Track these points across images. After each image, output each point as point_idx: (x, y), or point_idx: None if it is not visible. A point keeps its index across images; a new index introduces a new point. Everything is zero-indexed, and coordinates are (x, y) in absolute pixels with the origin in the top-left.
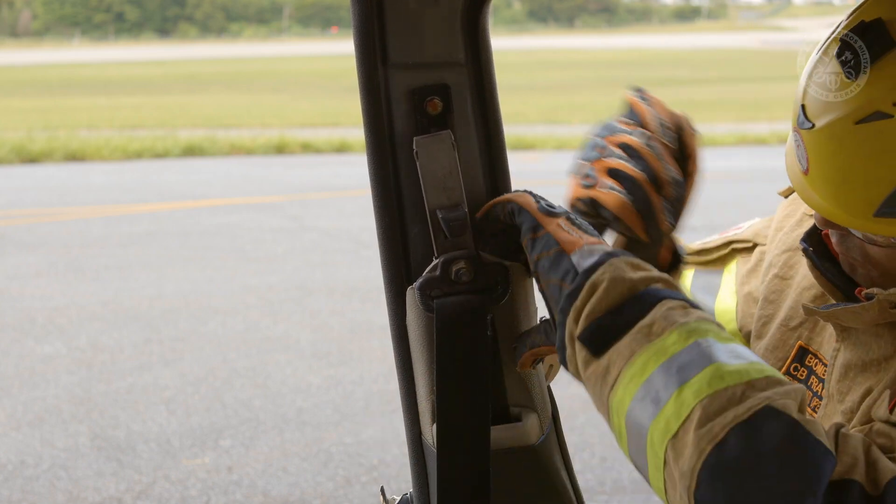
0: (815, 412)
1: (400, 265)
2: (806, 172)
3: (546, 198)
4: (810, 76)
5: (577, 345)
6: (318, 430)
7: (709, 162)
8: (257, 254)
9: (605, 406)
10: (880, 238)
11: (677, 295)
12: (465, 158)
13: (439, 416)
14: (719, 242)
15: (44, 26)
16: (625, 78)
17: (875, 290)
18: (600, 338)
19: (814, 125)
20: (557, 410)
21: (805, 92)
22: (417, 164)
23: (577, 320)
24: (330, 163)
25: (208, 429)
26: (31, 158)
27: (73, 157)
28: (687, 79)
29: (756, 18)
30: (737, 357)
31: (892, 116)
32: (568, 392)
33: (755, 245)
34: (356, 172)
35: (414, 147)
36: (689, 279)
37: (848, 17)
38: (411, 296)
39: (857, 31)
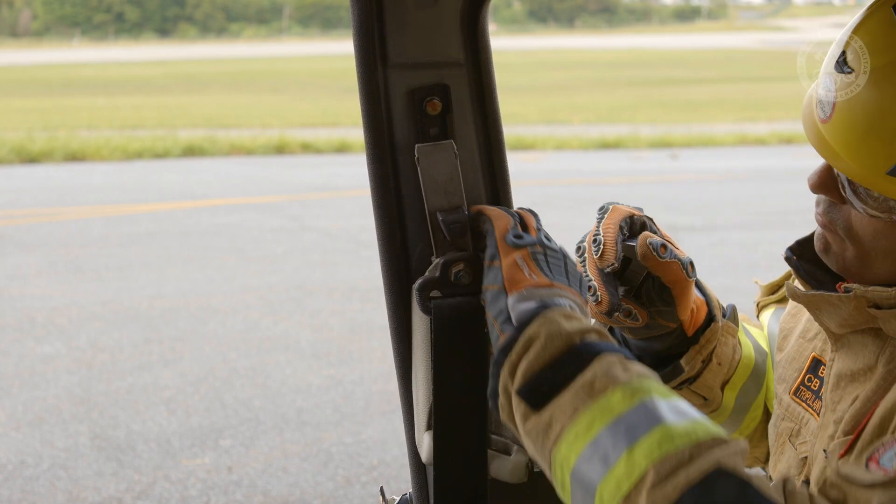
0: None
1: (400, 265)
2: (826, 120)
3: (535, 220)
4: (859, 24)
5: (515, 398)
6: (318, 430)
7: (709, 162)
8: (257, 254)
9: (546, 459)
10: (877, 204)
11: (613, 347)
12: (465, 159)
13: (436, 418)
14: (782, 277)
15: (44, 26)
16: (625, 78)
17: (855, 285)
18: (539, 393)
19: (853, 70)
20: None
21: (850, 38)
22: (418, 169)
23: (513, 374)
24: (330, 163)
25: (208, 429)
26: (31, 158)
27: (73, 157)
28: (687, 79)
29: (756, 18)
30: (681, 415)
31: None
32: None
33: None
34: (356, 172)
35: (416, 154)
36: (768, 317)
37: None
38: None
39: None
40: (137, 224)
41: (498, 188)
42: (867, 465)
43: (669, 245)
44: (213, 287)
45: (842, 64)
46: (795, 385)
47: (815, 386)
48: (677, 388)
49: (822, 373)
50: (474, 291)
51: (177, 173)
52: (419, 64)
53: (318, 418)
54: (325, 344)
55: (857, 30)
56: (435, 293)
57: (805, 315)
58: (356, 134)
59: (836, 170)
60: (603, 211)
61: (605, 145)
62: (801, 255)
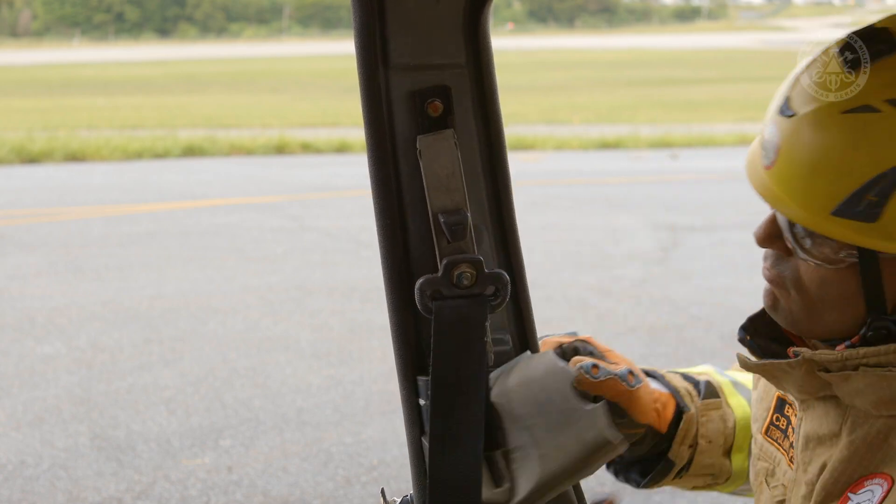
0: (793, 462)
1: (400, 265)
2: (770, 167)
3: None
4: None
5: None
6: (318, 430)
7: (709, 162)
8: (257, 254)
9: None
10: (821, 253)
11: None
12: (466, 159)
13: (433, 418)
14: None
15: (44, 26)
16: (625, 78)
17: (803, 350)
18: None
19: (795, 113)
20: None
21: (795, 84)
22: (421, 163)
23: None
24: (330, 163)
25: (208, 429)
26: (32, 158)
27: (73, 157)
28: (687, 79)
29: (756, 18)
30: None
31: (879, 112)
32: None
33: None
34: (356, 172)
35: (418, 146)
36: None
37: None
38: None
39: (861, 34)
40: (137, 224)
41: (499, 188)
42: None
43: (601, 363)
44: (213, 287)
45: (784, 108)
46: (766, 425)
47: (783, 425)
48: (677, 477)
49: (787, 411)
50: (476, 293)
51: (177, 173)
52: (420, 65)
53: (318, 418)
54: (325, 344)
55: (802, 74)
56: (436, 293)
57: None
58: (356, 134)
59: (780, 221)
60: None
61: (605, 145)
62: (755, 331)
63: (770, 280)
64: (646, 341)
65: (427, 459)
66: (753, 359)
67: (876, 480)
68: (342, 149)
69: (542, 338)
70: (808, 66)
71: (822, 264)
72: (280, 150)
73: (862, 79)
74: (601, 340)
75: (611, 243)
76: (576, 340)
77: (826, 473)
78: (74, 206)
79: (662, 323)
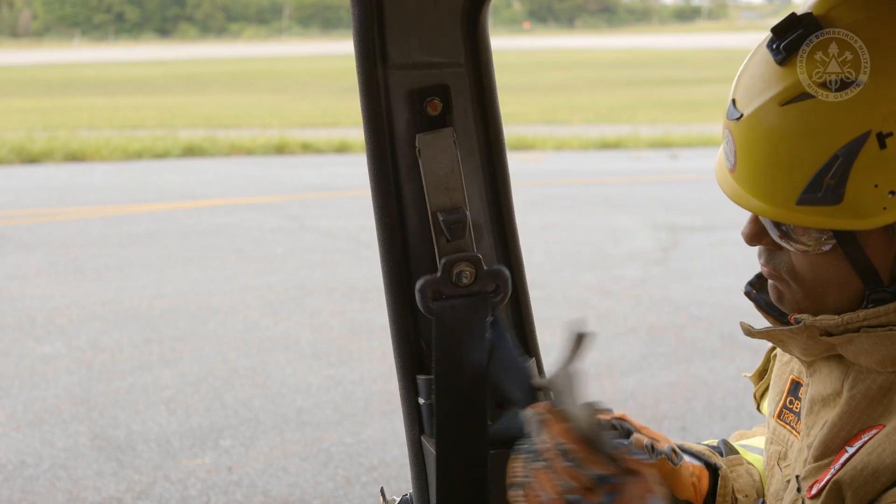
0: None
1: (400, 265)
2: (733, 170)
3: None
4: (743, 70)
5: None
6: (318, 430)
7: (709, 162)
8: (257, 254)
9: None
10: (803, 238)
11: None
12: (465, 159)
13: (438, 417)
14: (764, 360)
15: (44, 26)
16: (625, 78)
17: (804, 315)
18: None
19: (742, 115)
20: None
21: (737, 85)
22: (420, 162)
23: None
24: (330, 163)
25: (208, 429)
26: (32, 158)
27: (73, 157)
28: (687, 79)
29: (756, 18)
30: None
31: (815, 97)
32: None
33: None
34: (356, 172)
35: (417, 145)
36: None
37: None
38: None
39: (786, 22)
40: (137, 224)
41: (498, 188)
42: None
43: (654, 442)
44: (213, 287)
45: (732, 111)
46: (779, 408)
47: (796, 408)
48: None
49: (801, 394)
50: (475, 292)
51: (177, 173)
52: (419, 64)
53: (318, 418)
54: (325, 344)
55: (741, 75)
56: (436, 294)
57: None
58: (356, 134)
59: (762, 218)
60: None
61: (605, 145)
62: (762, 287)
63: (769, 275)
64: (646, 341)
65: (435, 458)
66: (756, 328)
67: (872, 432)
68: (342, 149)
69: None
70: (744, 66)
71: (809, 250)
72: (280, 150)
73: (790, 64)
74: (601, 340)
75: (611, 243)
76: (615, 418)
77: (825, 430)
78: (74, 206)
79: (662, 323)
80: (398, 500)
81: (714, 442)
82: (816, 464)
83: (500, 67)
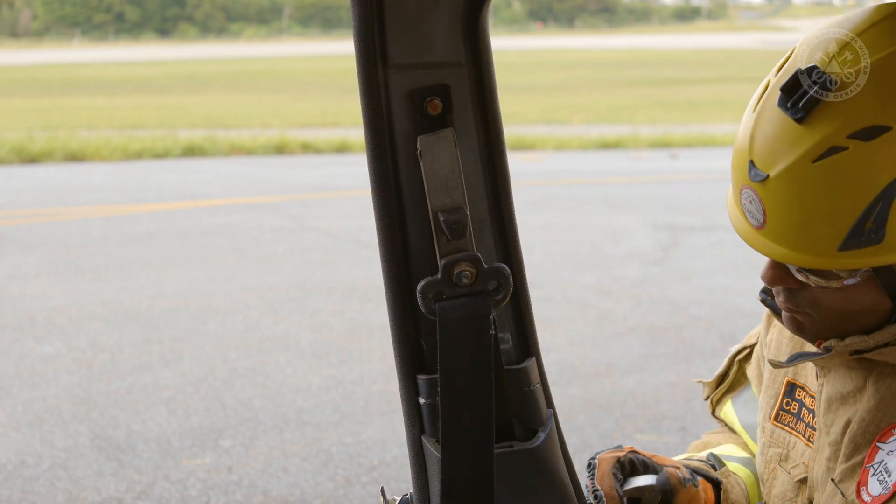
0: (812, 442)
1: (400, 265)
2: (762, 227)
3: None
4: (755, 130)
5: None
6: (318, 430)
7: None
8: (257, 254)
9: None
10: (837, 279)
11: None
12: (465, 158)
13: (443, 418)
14: (726, 364)
15: (44, 26)
16: (625, 78)
17: (832, 342)
18: None
19: (768, 175)
20: (556, 411)
21: (751, 145)
22: (421, 163)
23: None
24: (330, 163)
25: (208, 429)
26: (32, 158)
27: (73, 157)
28: (687, 79)
29: (756, 18)
30: None
31: (847, 148)
32: (567, 392)
33: (752, 347)
34: (356, 172)
35: (418, 146)
36: (730, 411)
37: (777, 74)
38: None
39: (794, 80)
40: (137, 224)
41: (498, 188)
42: None
43: (676, 469)
44: (213, 287)
45: (754, 173)
46: (774, 411)
47: (794, 409)
48: None
49: (798, 395)
50: (477, 291)
51: (177, 173)
52: (420, 64)
53: (318, 418)
54: (325, 344)
55: (755, 136)
56: (437, 294)
57: (772, 345)
58: (356, 134)
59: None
60: (591, 468)
61: (605, 145)
62: (770, 295)
63: (789, 311)
64: (645, 341)
65: (435, 457)
66: (781, 360)
67: None
68: (342, 149)
69: (596, 455)
70: (755, 125)
71: (837, 286)
72: (280, 150)
73: (813, 120)
74: (601, 340)
75: (611, 243)
76: (629, 452)
77: (854, 425)
78: (74, 206)
79: (662, 323)
80: (398, 499)
81: (704, 455)
82: (849, 463)
83: (500, 67)
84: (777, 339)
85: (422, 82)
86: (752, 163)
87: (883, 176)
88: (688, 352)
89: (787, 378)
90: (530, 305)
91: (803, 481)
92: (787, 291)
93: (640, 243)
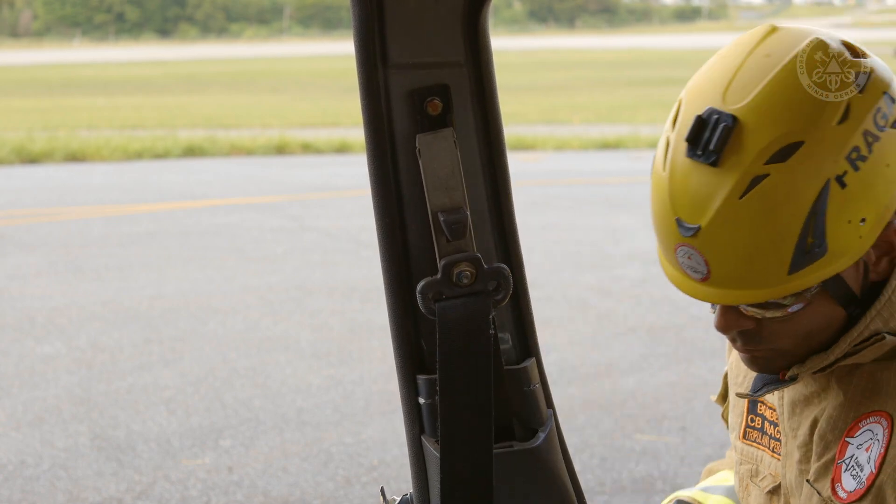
0: (777, 453)
1: (400, 265)
2: (706, 278)
3: None
4: (671, 188)
5: None
6: (318, 430)
7: None
8: (257, 254)
9: None
10: (790, 299)
11: None
12: (465, 159)
13: (443, 418)
14: (722, 384)
15: (44, 26)
16: (625, 78)
17: (794, 369)
18: None
19: (700, 227)
20: (556, 411)
21: (673, 204)
22: (420, 162)
23: None
24: (330, 163)
25: (208, 429)
26: (32, 158)
27: (74, 157)
28: (687, 79)
29: (756, 18)
30: None
31: (769, 174)
32: (567, 392)
33: None
34: (356, 172)
35: (417, 145)
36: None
37: (673, 128)
38: None
39: (697, 125)
40: (137, 224)
41: (498, 188)
42: None
43: None
44: (213, 287)
45: (684, 229)
46: (742, 429)
47: (758, 424)
48: None
49: (759, 410)
50: (477, 291)
51: (177, 173)
52: (420, 64)
53: (318, 418)
54: (325, 344)
55: (673, 196)
56: (437, 295)
57: (733, 368)
58: (356, 134)
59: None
60: None
61: (606, 145)
62: None
63: (748, 353)
64: (646, 341)
65: (434, 457)
66: (749, 392)
67: (871, 419)
68: (342, 149)
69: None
70: (669, 184)
71: (797, 308)
72: (280, 150)
73: (726, 160)
74: (601, 340)
75: (611, 243)
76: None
77: (822, 423)
78: (74, 206)
79: (662, 323)
80: (398, 499)
81: (675, 495)
82: (821, 461)
83: (501, 67)
84: (736, 363)
85: (422, 82)
86: (679, 220)
87: (809, 190)
88: (688, 352)
89: None
90: (530, 305)
91: (773, 492)
92: (743, 336)
93: (641, 243)
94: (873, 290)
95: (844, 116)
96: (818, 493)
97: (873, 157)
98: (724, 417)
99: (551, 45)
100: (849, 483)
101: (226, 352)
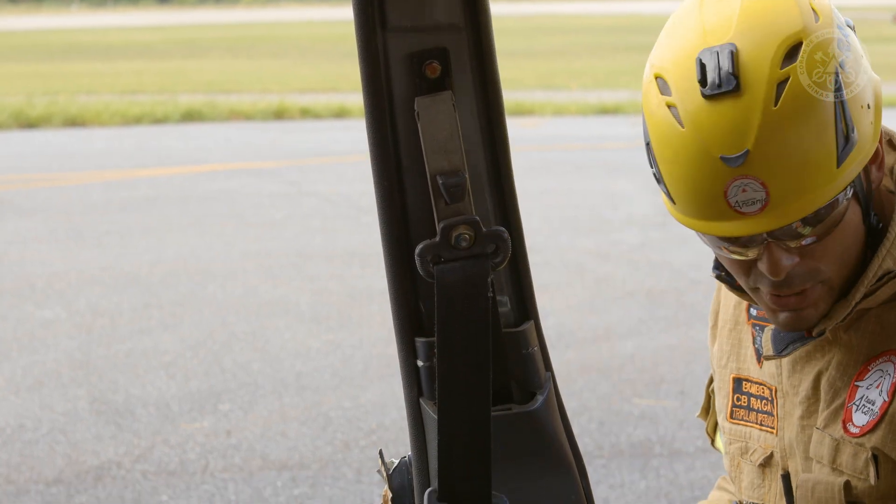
0: (765, 427)
1: (399, 228)
2: (766, 203)
3: None
4: (702, 135)
5: None
6: (316, 394)
7: None
8: (256, 219)
9: None
10: (845, 199)
11: None
12: (464, 123)
13: (441, 381)
14: (705, 395)
15: None
16: (623, 43)
17: (822, 324)
18: None
19: (748, 150)
20: (555, 374)
21: (711, 148)
22: (419, 125)
23: None
24: (329, 128)
25: (207, 393)
26: (31, 124)
27: (73, 122)
28: None
29: None
30: None
31: (789, 77)
32: (566, 357)
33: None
34: (355, 138)
35: (415, 108)
36: (719, 441)
37: (671, 91)
38: None
39: (702, 68)
40: (137, 189)
41: (497, 151)
42: None
43: None
44: (212, 252)
45: (734, 159)
46: (729, 410)
47: (744, 402)
48: None
49: (745, 388)
50: (476, 254)
51: (176, 139)
52: (418, 27)
53: (317, 382)
54: (324, 308)
55: (705, 140)
56: (435, 257)
57: (716, 346)
58: (355, 99)
59: (783, 233)
60: None
61: (604, 110)
62: (724, 270)
63: (797, 298)
64: (644, 305)
65: (433, 420)
66: (773, 353)
67: (881, 360)
68: (341, 114)
69: None
70: (699, 123)
71: (841, 216)
72: (279, 115)
73: (745, 80)
74: (599, 304)
75: (609, 208)
76: None
77: (831, 370)
78: (74, 172)
79: (661, 287)
80: (396, 462)
81: None
82: (831, 407)
83: (498, 32)
84: (720, 344)
85: (420, 45)
86: (723, 157)
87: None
88: (687, 316)
89: (731, 375)
90: (529, 268)
91: (765, 464)
92: (789, 279)
93: (639, 208)
94: (880, 232)
95: (817, 17)
96: (830, 436)
97: (852, 49)
98: (709, 433)
99: (549, 10)
100: (860, 419)
101: (225, 316)
